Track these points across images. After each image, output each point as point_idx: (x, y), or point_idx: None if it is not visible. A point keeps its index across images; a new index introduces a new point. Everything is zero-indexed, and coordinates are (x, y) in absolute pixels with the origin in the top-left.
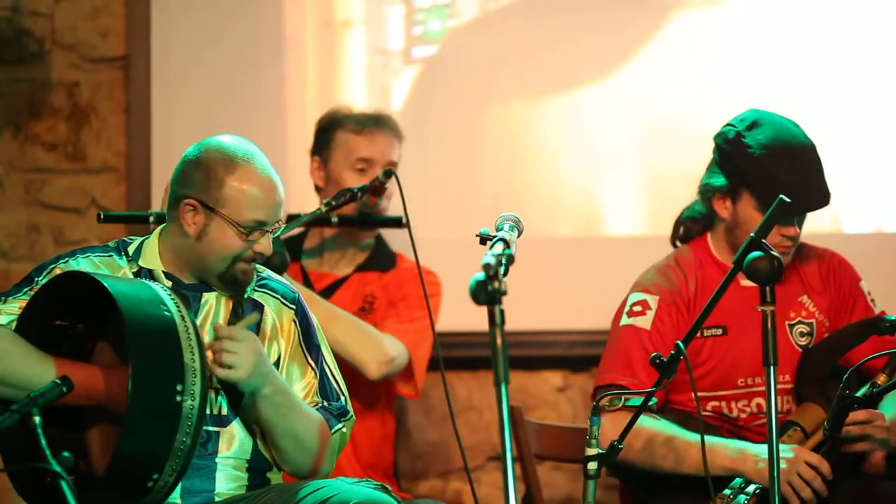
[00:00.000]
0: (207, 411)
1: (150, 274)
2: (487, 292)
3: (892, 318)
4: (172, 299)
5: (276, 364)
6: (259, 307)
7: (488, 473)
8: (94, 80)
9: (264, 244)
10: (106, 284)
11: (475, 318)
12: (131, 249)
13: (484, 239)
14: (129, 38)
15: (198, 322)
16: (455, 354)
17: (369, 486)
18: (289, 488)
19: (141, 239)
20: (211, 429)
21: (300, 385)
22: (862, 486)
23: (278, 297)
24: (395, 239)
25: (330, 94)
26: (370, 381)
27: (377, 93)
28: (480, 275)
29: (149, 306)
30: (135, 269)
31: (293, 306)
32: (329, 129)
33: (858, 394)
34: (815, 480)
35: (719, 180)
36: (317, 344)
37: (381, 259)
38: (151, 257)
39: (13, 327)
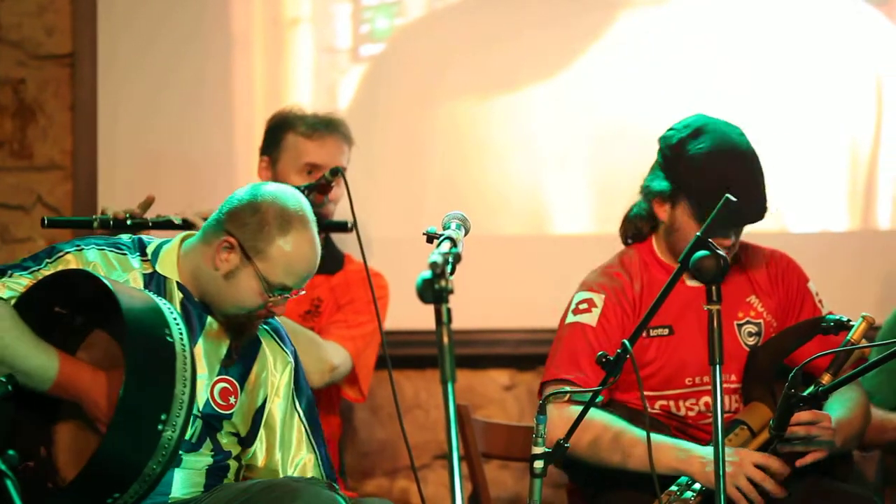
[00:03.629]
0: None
1: (164, 281)
2: (434, 291)
3: (837, 317)
4: (177, 325)
5: (263, 404)
6: (256, 343)
7: (435, 472)
8: (40, 77)
9: (282, 307)
10: (119, 300)
11: (422, 317)
12: (149, 250)
13: (431, 237)
14: (76, 35)
15: (198, 342)
16: (402, 353)
17: (317, 485)
18: (237, 486)
19: (160, 241)
20: (182, 453)
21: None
22: (812, 486)
23: (276, 339)
24: (342, 238)
25: (277, 92)
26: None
27: (324, 91)
28: (427, 273)
29: (154, 329)
30: (149, 271)
31: (290, 354)
32: (279, 130)
33: (805, 393)
34: (764, 481)
35: (661, 184)
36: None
37: (329, 261)
38: (169, 265)
39: (13, 304)
